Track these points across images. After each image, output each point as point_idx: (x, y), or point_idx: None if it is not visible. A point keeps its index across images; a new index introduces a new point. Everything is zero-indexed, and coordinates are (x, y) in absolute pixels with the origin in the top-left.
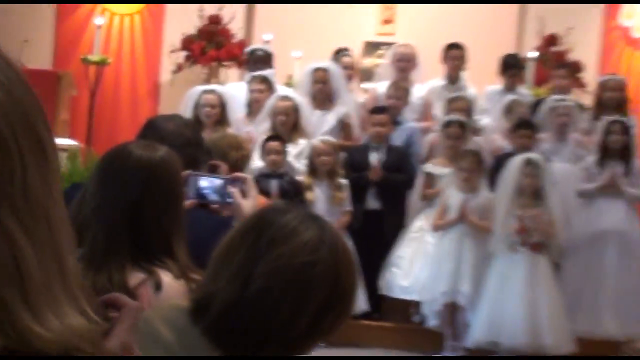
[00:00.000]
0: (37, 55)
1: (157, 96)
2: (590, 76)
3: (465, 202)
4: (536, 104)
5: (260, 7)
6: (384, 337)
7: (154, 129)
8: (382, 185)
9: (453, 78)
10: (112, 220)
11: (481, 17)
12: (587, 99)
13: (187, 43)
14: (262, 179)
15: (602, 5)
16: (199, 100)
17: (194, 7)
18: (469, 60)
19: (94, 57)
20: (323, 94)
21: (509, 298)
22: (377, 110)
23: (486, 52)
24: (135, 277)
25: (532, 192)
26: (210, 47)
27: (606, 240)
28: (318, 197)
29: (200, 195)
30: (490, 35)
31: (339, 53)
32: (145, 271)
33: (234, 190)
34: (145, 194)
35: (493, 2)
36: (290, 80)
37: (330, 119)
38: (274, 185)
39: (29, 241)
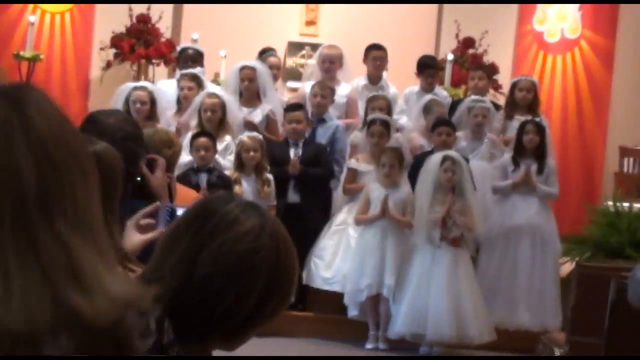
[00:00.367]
0: None
1: (87, 92)
2: (505, 78)
3: (386, 197)
4: (454, 105)
5: (187, 7)
6: (308, 327)
7: (94, 124)
8: (300, 179)
9: (374, 78)
10: None
11: (401, 20)
12: (503, 100)
13: (117, 41)
14: (191, 173)
15: (515, 11)
16: (129, 96)
17: (123, 7)
18: (389, 61)
19: (27, 53)
20: (250, 91)
21: (432, 291)
22: (292, 107)
23: (406, 53)
24: None
25: (451, 188)
26: (139, 45)
27: (520, 235)
28: (245, 191)
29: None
30: (410, 37)
31: (265, 53)
32: None
33: None
34: None
35: (413, 2)
36: (217, 78)
37: (256, 116)
38: (203, 179)
39: (78, 241)
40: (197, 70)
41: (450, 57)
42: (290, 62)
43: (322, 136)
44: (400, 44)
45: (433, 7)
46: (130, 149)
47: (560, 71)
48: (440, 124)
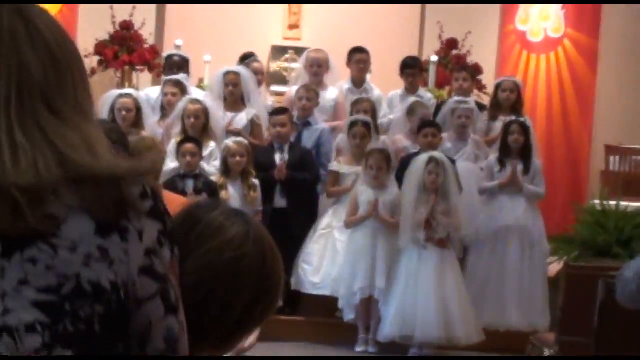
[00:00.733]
0: None
1: None
2: (490, 78)
3: (375, 199)
4: (439, 107)
5: (169, 13)
6: (298, 331)
7: None
8: (287, 184)
9: (358, 81)
10: None
11: (384, 23)
12: (488, 100)
13: (100, 48)
14: (178, 179)
15: (499, 11)
16: (115, 104)
17: (106, 14)
18: (373, 63)
19: None
20: (234, 96)
21: (420, 292)
22: (277, 111)
23: (390, 56)
24: None
25: (436, 189)
26: (123, 52)
27: (508, 236)
28: (232, 196)
29: None
30: (393, 39)
31: (247, 59)
32: None
33: None
34: None
35: (395, 2)
36: (201, 84)
37: (241, 120)
38: (189, 185)
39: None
40: (180, 76)
41: (434, 58)
42: (274, 66)
43: (308, 140)
44: (383, 46)
45: (416, 9)
46: None
47: (544, 70)
48: (426, 126)
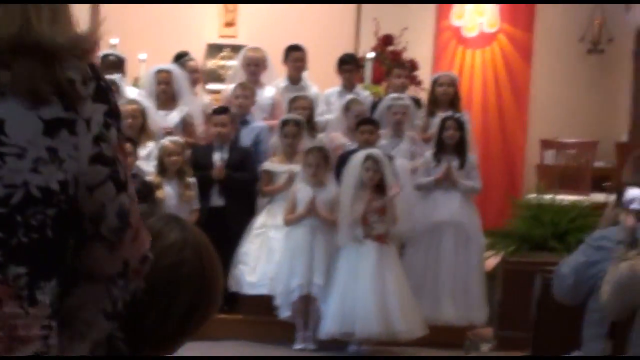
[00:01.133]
0: None
1: None
2: (426, 74)
3: (313, 196)
4: (375, 103)
5: (104, 12)
6: (236, 329)
7: None
8: (225, 183)
9: (295, 79)
10: None
11: (320, 20)
12: (424, 96)
13: None
14: None
15: (434, 6)
16: None
17: None
18: (310, 61)
19: None
20: (166, 94)
21: (359, 289)
22: (218, 110)
23: (327, 53)
24: None
25: (374, 185)
26: None
27: (443, 230)
28: (168, 195)
29: None
30: (330, 37)
31: (181, 58)
32: None
33: None
34: None
35: (330, 2)
36: (137, 83)
37: (173, 118)
38: None
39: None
40: (115, 76)
41: (371, 55)
42: (210, 64)
43: (246, 138)
44: (320, 43)
45: (351, 6)
46: None
47: (480, 65)
48: (363, 123)
